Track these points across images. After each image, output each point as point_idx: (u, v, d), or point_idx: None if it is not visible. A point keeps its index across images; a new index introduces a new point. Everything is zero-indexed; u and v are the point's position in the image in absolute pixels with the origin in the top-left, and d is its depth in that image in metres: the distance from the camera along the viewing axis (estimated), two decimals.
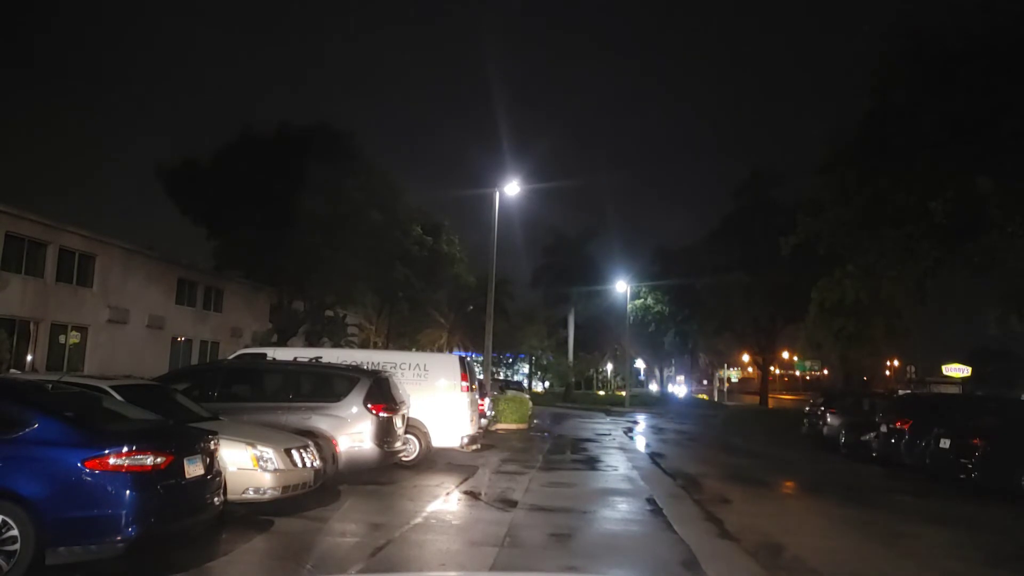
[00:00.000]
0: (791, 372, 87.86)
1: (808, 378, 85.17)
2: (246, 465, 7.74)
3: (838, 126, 20.00)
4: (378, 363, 13.49)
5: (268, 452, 7.89)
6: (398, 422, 11.17)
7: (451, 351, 41.27)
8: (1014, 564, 7.95)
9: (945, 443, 13.14)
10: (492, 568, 6.49)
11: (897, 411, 16.52)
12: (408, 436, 12.19)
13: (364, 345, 36.05)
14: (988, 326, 20.45)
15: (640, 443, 21.29)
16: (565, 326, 54.00)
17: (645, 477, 13.21)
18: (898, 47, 16.61)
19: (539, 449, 17.48)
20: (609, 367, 66.66)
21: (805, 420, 23.43)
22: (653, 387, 71.25)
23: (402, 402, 11.62)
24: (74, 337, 23.43)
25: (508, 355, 59.23)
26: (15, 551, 5.25)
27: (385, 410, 10.56)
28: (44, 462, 5.52)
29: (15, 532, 5.27)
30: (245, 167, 28.55)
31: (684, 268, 47.48)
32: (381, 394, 10.73)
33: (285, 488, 7.93)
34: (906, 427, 15.06)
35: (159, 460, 5.80)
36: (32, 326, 21.70)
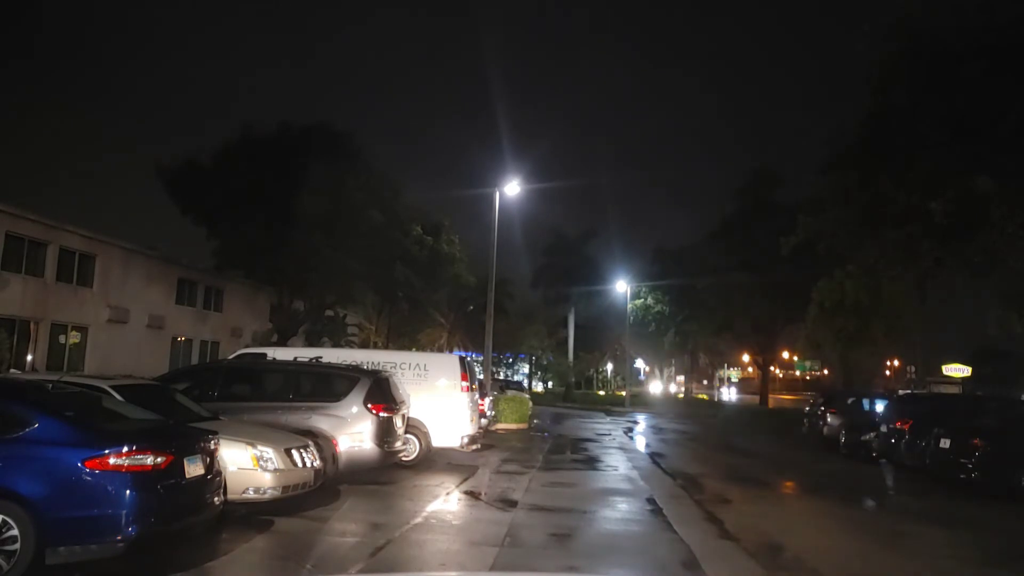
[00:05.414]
0: (791, 371, 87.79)
1: (808, 378, 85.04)
2: (246, 465, 7.75)
3: (839, 126, 19.93)
4: (378, 363, 13.49)
5: (268, 452, 7.90)
6: (398, 422, 11.17)
7: (451, 351, 41.19)
8: (1014, 564, 7.94)
9: (945, 443, 13.13)
10: (492, 568, 6.50)
11: (897, 411, 16.51)
12: (408, 436, 12.20)
13: (364, 345, 36.05)
14: (988, 326, 20.43)
15: (640, 443, 21.29)
16: (565, 326, 53.97)
17: (645, 477, 13.22)
18: (898, 47, 16.58)
19: (539, 449, 17.47)
20: (609, 367, 66.62)
21: (805, 420, 23.42)
22: (653, 387, 71.15)
23: (402, 402, 11.62)
24: (74, 337, 23.43)
25: (508, 355, 59.19)
26: (15, 551, 5.25)
27: (385, 410, 10.56)
28: (44, 462, 5.52)
29: (15, 532, 5.27)
30: (245, 167, 28.57)
31: (684, 268, 47.35)
32: (381, 394, 10.74)
33: (285, 488, 7.94)
34: (906, 427, 15.04)
35: (159, 460, 5.80)
36: (32, 326, 21.70)
